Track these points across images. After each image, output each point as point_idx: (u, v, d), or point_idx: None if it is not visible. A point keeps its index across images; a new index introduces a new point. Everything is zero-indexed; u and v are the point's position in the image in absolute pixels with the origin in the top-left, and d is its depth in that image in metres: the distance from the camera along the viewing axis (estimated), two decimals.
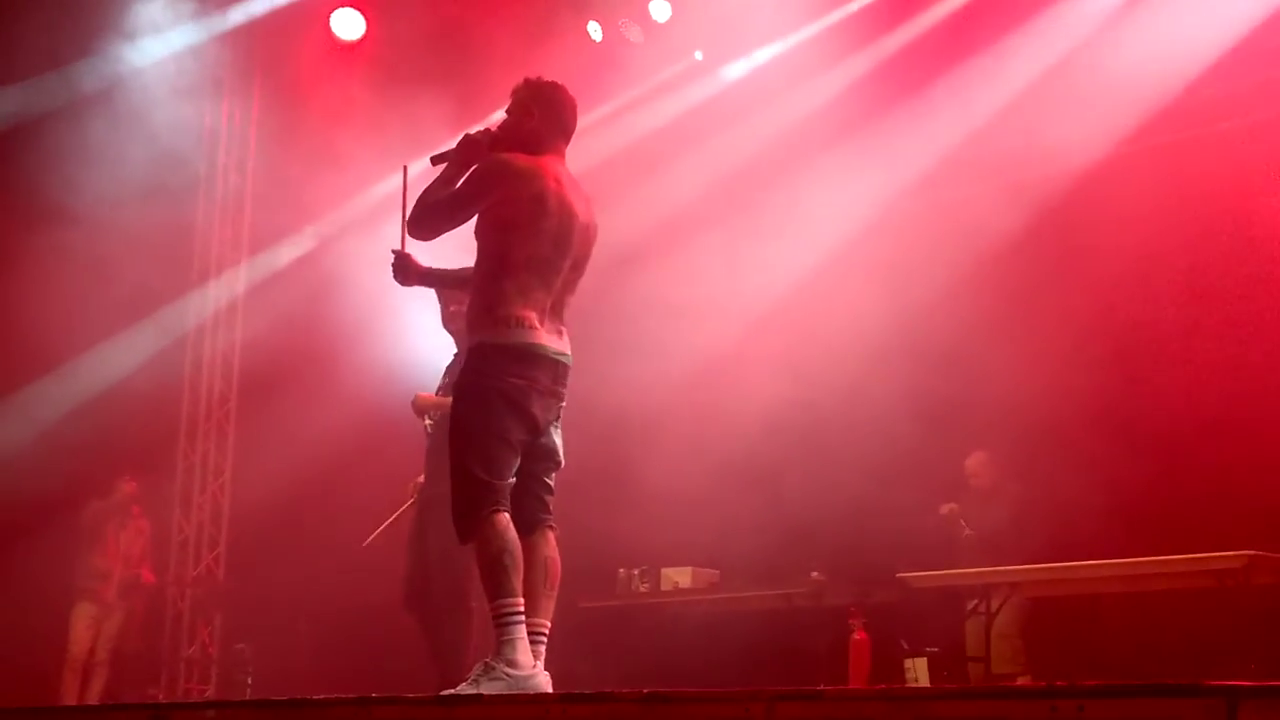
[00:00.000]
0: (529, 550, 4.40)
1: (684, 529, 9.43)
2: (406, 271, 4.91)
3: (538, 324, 4.43)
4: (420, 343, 9.18)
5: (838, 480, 8.76)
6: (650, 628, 9.20)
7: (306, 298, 11.02)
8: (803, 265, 9.80)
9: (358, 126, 10.48)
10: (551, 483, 4.59)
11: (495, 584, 4.24)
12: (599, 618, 9.41)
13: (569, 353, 4.55)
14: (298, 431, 10.96)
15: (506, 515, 4.32)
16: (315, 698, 3.91)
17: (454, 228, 4.62)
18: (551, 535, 4.51)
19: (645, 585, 9.29)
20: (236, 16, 11.32)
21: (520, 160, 4.55)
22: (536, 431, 4.47)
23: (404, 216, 4.74)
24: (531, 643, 4.29)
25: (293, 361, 10.96)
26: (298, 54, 11.72)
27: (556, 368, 4.48)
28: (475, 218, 4.57)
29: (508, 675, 4.13)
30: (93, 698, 9.74)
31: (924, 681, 7.65)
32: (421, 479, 6.38)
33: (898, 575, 8.13)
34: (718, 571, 9.26)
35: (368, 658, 9.80)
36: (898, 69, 9.88)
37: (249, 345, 11.99)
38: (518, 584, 4.27)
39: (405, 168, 5.00)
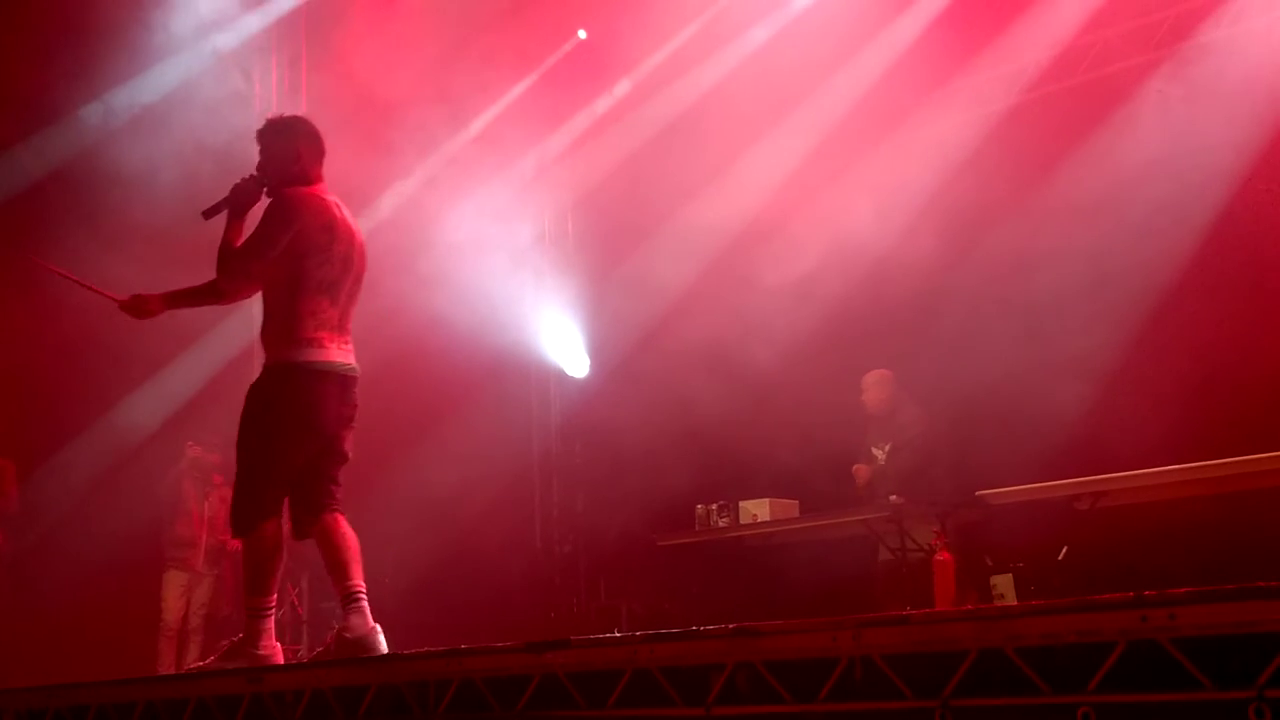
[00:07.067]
0: (324, 530, 4.97)
1: (759, 462, 9.41)
2: (143, 310, 5.17)
3: (328, 343, 4.89)
4: (497, 294, 9.19)
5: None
6: (732, 562, 9.20)
7: (385, 255, 10.96)
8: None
9: (413, 73, 10.36)
10: (339, 476, 5.09)
11: (258, 583, 4.84)
12: (679, 555, 9.42)
13: (355, 365, 5.08)
14: (371, 389, 10.98)
15: (278, 523, 4.92)
16: (407, 652, 3.95)
17: (266, 268, 4.90)
18: (340, 517, 5.01)
19: (724, 520, 9.25)
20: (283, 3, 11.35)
21: (305, 194, 4.93)
22: (326, 438, 4.94)
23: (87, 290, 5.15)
24: (358, 603, 4.86)
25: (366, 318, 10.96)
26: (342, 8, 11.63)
27: (345, 381, 5.01)
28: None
29: (252, 655, 4.74)
30: (189, 664, 9.87)
31: (1010, 598, 7.62)
32: None
33: (977, 493, 8.06)
34: (796, 502, 9.22)
35: (453, 608, 9.87)
36: None
37: None
38: (273, 585, 4.92)
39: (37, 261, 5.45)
